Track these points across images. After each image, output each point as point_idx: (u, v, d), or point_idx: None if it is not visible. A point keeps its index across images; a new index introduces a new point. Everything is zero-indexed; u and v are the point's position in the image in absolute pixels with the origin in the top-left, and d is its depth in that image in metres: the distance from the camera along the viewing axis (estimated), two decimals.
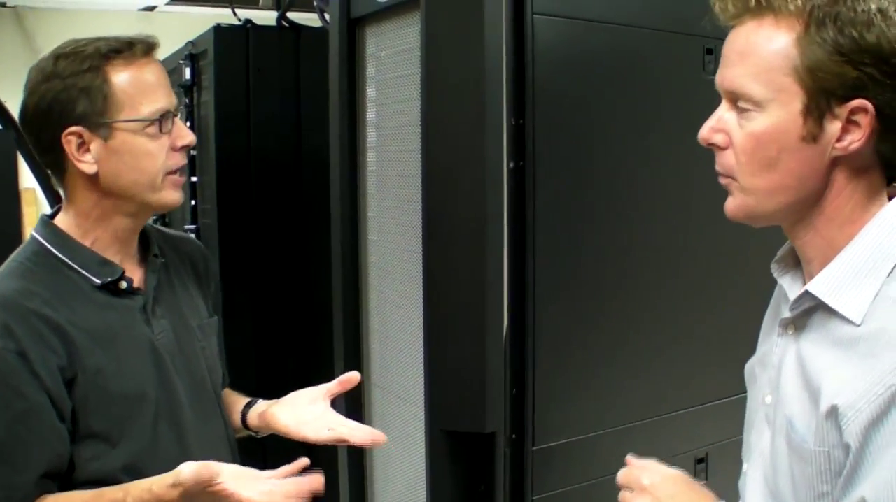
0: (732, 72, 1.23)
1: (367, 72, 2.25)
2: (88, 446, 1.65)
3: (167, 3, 6.31)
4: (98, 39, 1.70)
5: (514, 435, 1.99)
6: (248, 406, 1.99)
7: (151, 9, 6.54)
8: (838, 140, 1.18)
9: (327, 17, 2.47)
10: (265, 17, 3.14)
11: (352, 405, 2.31)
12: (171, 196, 1.75)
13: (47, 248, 1.71)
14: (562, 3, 1.98)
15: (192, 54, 3.17)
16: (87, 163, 1.68)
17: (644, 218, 2.16)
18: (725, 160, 1.26)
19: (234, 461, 1.82)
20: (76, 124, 1.66)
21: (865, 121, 1.16)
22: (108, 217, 1.73)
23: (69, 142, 1.66)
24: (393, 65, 2.12)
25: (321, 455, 2.87)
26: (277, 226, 2.92)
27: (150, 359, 1.75)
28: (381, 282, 2.25)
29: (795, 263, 1.34)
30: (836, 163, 1.20)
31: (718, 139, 1.26)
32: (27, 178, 6.01)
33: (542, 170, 1.95)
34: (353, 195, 2.29)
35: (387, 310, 2.24)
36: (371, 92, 2.24)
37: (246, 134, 2.88)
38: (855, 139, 1.17)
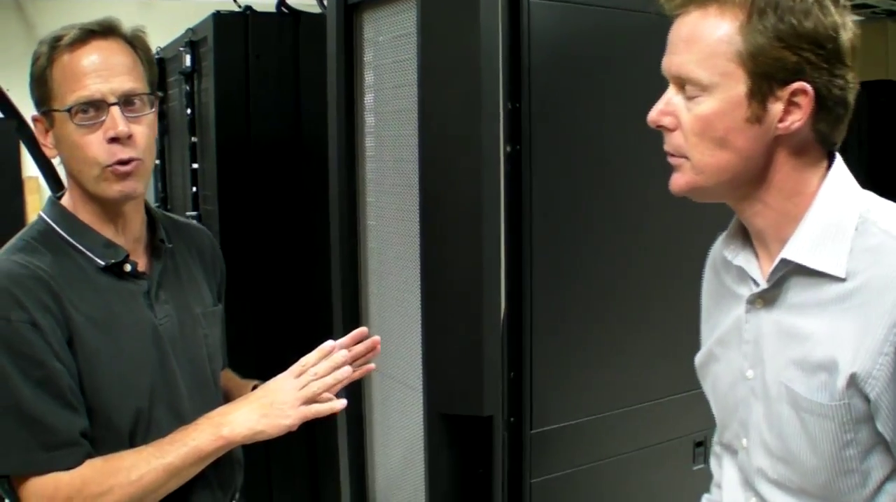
0: (679, 59, 1.31)
1: (364, 57, 2.25)
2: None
3: None
4: (72, 25, 1.70)
5: (512, 419, 2.00)
6: (256, 388, 1.97)
7: None
8: (780, 120, 1.26)
9: (325, 2, 2.47)
10: (265, 3, 3.14)
11: (352, 389, 2.32)
12: (113, 188, 1.69)
13: (53, 229, 1.72)
14: None
15: (191, 41, 3.17)
16: (48, 149, 1.73)
17: (640, 201, 2.17)
18: (675, 140, 1.34)
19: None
20: (36, 110, 1.72)
21: (805, 101, 1.24)
22: (91, 199, 1.73)
23: (36, 127, 1.74)
24: (390, 50, 2.13)
25: (319, 439, 2.89)
26: (277, 211, 2.93)
27: (151, 343, 1.74)
28: (380, 266, 2.26)
29: (744, 243, 1.42)
30: (778, 141, 1.28)
31: (667, 121, 1.34)
32: (30, 167, 6.01)
33: (538, 154, 1.96)
34: (352, 180, 2.29)
35: (386, 295, 2.25)
36: (369, 77, 2.24)
37: (246, 120, 2.88)
38: (796, 119, 1.26)
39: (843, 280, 1.25)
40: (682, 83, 1.31)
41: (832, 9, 1.24)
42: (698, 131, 1.29)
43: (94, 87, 1.66)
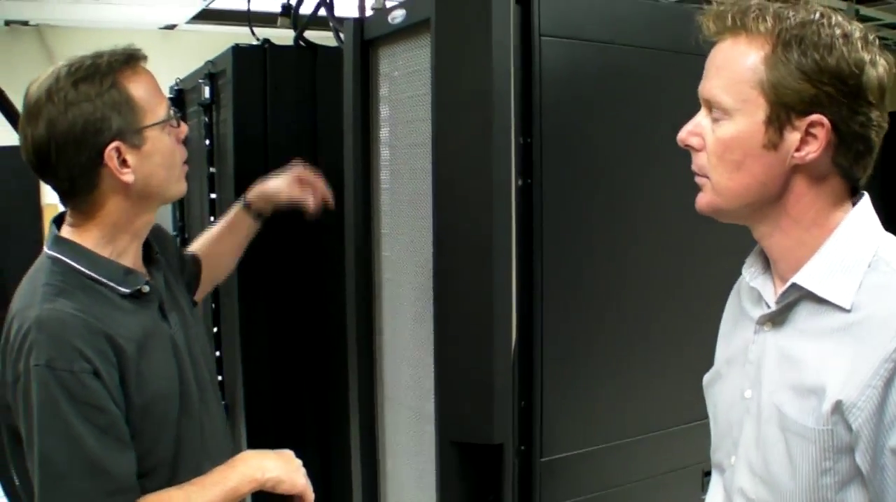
0: (709, 83, 1.37)
1: (380, 91, 2.29)
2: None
3: (187, 22, 6.37)
4: (98, 56, 1.77)
5: (522, 447, 2.02)
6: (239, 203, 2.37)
7: (172, 27, 6.61)
8: (797, 150, 1.30)
9: (342, 36, 2.51)
10: (283, 35, 3.18)
11: (365, 417, 2.35)
12: (185, 185, 1.90)
13: (73, 267, 1.76)
14: (568, 25, 2.03)
15: (211, 73, 3.21)
16: (127, 174, 1.76)
17: (651, 233, 2.20)
18: (700, 160, 1.39)
19: (229, 440, 2.09)
20: (114, 140, 1.74)
21: (822, 134, 1.28)
22: (132, 221, 1.83)
23: (111, 157, 1.74)
24: (405, 85, 2.17)
25: (334, 465, 2.91)
26: (293, 241, 2.96)
27: (172, 354, 1.86)
28: (394, 296, 2.29)
29: (765, 267, 1.46)
30: (797, 170, 1.32)
31: (694, 142, 1.39)
32: (49, 194, 6.08)
33: (549, 188, 1.99)
34: (367, 212, 2.33)
35: (399, 324, 2.28)
36: (384, 111, 2.28)
37: (263, 151, 2.91)
38: (811, 150, 1.29)
39: (847, 311, 1.28)
40: (710, 106, 1.37)
41: (859, 45, 1.28)
42: (719, 153, 1.35)
43: (167, 100, 1.85)
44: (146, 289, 1.83)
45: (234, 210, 2.42)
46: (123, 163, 1.76)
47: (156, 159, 1.80)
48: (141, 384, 1.74)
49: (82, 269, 1.76)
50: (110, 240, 1.81)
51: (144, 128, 1.77)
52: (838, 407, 1.24)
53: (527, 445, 2.03)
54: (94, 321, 1.68)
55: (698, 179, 1.41)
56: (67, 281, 1.74)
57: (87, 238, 1.80)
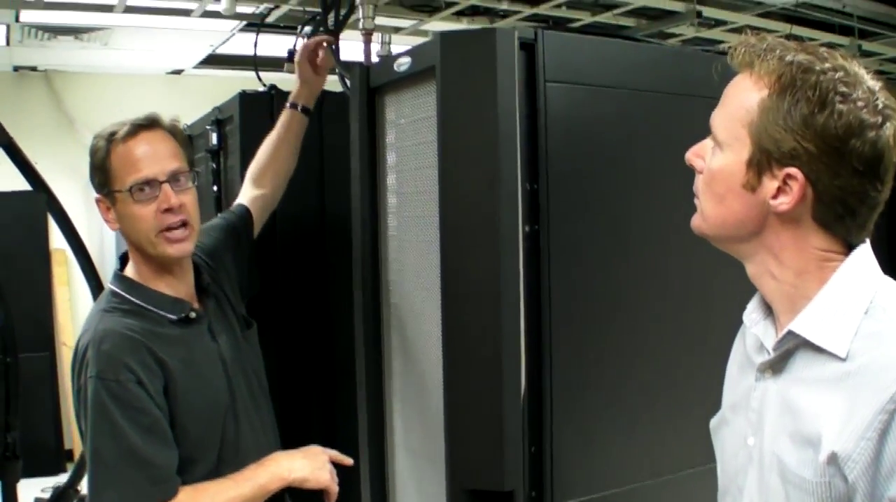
0: (717, 112, 1.38)
1: (386, 138, 2.31)
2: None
3: (194, 67, 6.41)
4: (121, 122, 2.05)
5: (533, 493, 2.02)
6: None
7: (179, 72, 6.65)
8: (773, 197, 1.29)
9: (348, 82, 2.53)
10: (289, 79, 3.19)
11: (376, 464, 2.34)
12: (168, 250, 2.05)
13: (126, 297, 2.06)
14: (573, 71, 2.05)
15: (218, 120, 3.23)
16: (111, 222, 2.10)
17: (659, 276, 2.20)
18: (697, 182, 1.41)
19: (277, 442, 2.28)
20: (98, 192, 2.09)
21: (796, 188, 1.26)
22: (150, 262, 2.09)
23: (99, 205, 2.10)
24: (411, 132, 2.19)
25: None
26: (301, 286, 2.97)
27: (221, 370, 2.13)
28: (403, 343, 2.29)
29: (766, 313, 1.44)
30: (778, 217, 1.31)
31: (696, 163, 1.41)
32: (57, 239, 6.10)
33: (556, 234, 2.00)
34: (375, 259, 2.34)
35: (408, 371, 2.28)
36: (391, 158, 2.30)
37: None
38: (785, 201, 1.28)
39: (843, 360, 1.26)
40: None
41: (858, 105, 1.23)
42: (707, 181, 1.37)
43: (147, 170, 2.03)
44: (192, 315, 2.10)
45: (284, 115, 2.62)
46: (108, 212, 2.09)
47: (125, 221, 2.06)
48: (187, 393, 2.01)
49: (133, 299, 2.06)
50: (159, 275, 2.09)
51: (112, 191, 2.05)
52: (834, 459, 1.22)
53: (538, 491, 2.02)
54: (140, 338, 1.97)
55: (696, 200, 1.42)
56: (120, 307, 2.04)
57: (139, 273, 2.10)
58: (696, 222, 1.42)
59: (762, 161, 1.28)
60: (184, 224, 2.06)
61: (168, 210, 2.03)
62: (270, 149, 2.61)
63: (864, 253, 1.33)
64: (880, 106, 1.25)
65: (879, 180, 1.27)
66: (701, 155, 1.40)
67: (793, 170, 1.26)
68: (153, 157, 2.04)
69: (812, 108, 1.24)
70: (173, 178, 2.05)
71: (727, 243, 1.40)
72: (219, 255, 2.37)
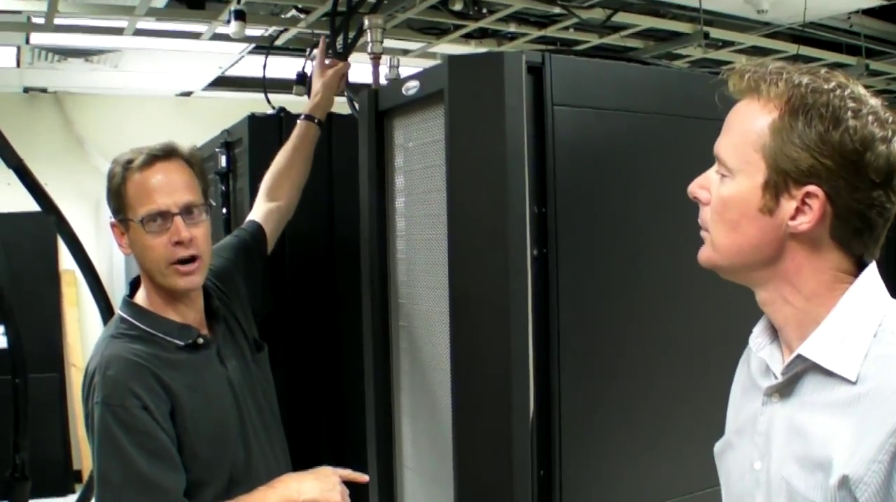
0: (721, 140, 1.37)
1: (395, 162, 2.32)
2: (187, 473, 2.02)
3: (203, 89, 6.43)
4: (140, 149, 2.07)
5: None
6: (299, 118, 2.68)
7: (188, 94, 6.67)
8: (792, 218, 1.29)
9: (357, 104, 2.54)
10: (298, 101, 3.21)
11: (384, 487, 2.34)
12: (178, 282, 2.08)
13: (135, 324, 2.09)
14: (580, 94, 2.05)
15: (227, 142, 3.24)
16: (123, 247, 2.13)
17: (667, 301, 2.20)
18: (704, 214, 1.40)
19: (287, 464, 2.31)
20: (113, 217, 2.13)
21: (816, 206, 1.27)
22: (160, 289, 2.11)
23: (113, 229, 2.14)
24: (420, 156, 2.19)
25: None
26: (309, 309, 2.97)
27: (230, 395, 2.15)
28: (412, 366, 2.30)
29: (772, 338, 1.44)
30: (795, 238, 1.31)
31: (701, 194, 1.40)
32: (66, 260, 6.11)
33: (564, 257, 2.00)
34: (384, 281, 2.35)
35: (417, 393, 2.28)
36: (399, 181, 2.31)
37: None
38: (805, 221, 1.28)
39: (853, 383, 1.26)
40: (719, 163, 1.37)
41: (870, 120, 1.26)
42: (718, 210, 1.36)
43: (160, 201, 2.05)
44: (200, 341, 2.12)
45: (299, 127, 2.68)
46: (122, 238, 2.12)
47: (137, 249, 2.09)
48: (195, 417, 2.03)
49: (142, 326, 2.08)
50: (168, 303, 2.12)
51: (126, 218, 2.08)
52: (845, 483, 1.22)
53: None
54: (147, 364, 1.99)
55: (702, 233, 1.42)
56: (128, 333, 2.07)
57: (149, 300, 2.13)
58: (706, 254, 1.41)
59: (779, 182, 1.29)
60: (193, 258, 2.08)
61: (179, 243, 2.05)
62: (286, 160, 2.64)
63: (872, 275, 1.34)
64: (890, 120, 1.28)
65: (894, 192, 1.29)
66: (705, 186, 1.39)
67: (812, 188, 1.26)
68: (167, 189, 2.06)
69: (827, 126, 1.25)
70: (186, 211, 2.07)
71: (740, 272, 1.39)
72: (230, 278, 2.38)
